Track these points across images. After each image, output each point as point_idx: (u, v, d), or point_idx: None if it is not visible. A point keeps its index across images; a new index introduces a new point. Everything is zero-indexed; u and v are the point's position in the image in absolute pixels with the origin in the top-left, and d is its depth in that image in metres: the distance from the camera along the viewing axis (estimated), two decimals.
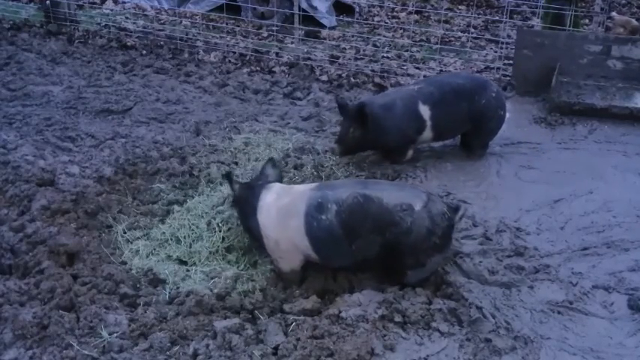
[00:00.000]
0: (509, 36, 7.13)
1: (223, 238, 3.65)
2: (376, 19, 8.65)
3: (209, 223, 3.73)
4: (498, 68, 6.44)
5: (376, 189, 3.26)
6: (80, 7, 8.11)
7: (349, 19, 8.17)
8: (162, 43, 7.28)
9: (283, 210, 3.32)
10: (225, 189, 3.96)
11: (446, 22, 8.53)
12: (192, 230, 3.70)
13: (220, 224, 3.71)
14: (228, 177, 3.55)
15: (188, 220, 3.76)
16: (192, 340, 2.93)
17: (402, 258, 3.24)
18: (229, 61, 6.91)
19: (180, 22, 7.94)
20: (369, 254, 3.25)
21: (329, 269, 3.47)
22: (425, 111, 4.45)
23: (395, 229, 3.16)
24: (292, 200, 3.34)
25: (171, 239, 3.69)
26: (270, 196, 3.40)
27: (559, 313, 3.18)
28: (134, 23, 7.81)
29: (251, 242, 3.64)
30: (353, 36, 7.56)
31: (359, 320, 3.02)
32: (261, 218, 3.36)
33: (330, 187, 3.39)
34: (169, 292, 3.33)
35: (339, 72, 6.61)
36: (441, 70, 6.60)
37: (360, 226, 3.19)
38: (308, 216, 3.23)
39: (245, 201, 3.45)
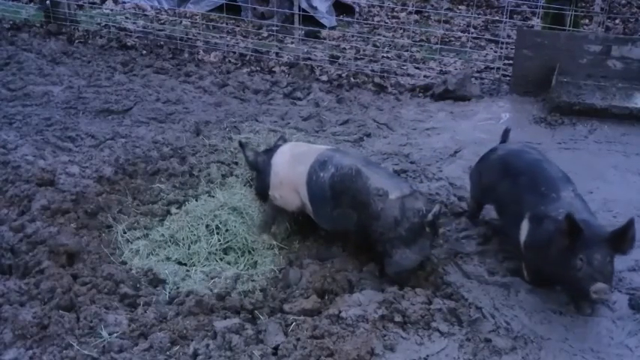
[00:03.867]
0: (509, 36, 7.13)
1: (221, 240, 3.65)
2: (376, 19, 8.65)
3: (207, 226, 3.72)
4: (498, 68, 6.44)
5: (372, 170, 3.43)
6: (80, 7, 8.11)
7: (349, 19, 8.17)
8: (162, 43, 7.28)
9: (297, 156, 3.66)
10: (221, 196, 3.97)
11: (446, 22, 8.53)
12: (191, 232, 3.69)
13: (220, 225, 3.71)
14: (241, 145, 3.98)
15: (187, 222, 3.76)
16: (192, 340, 2.93)
17: (372, 242, 3.38)
18: (229, 61, 6.91)
19: (180, 22, 7.94)
20: (346, 227, 3.46)
21: (328, 270, 3.47)
22: None
23: (367, 211, 3.31)
24: (307, 151, 3.69)
25: (170, 241, 3.69)
26: (287, 146, 3.83)
27: (559, 313, 3.18)
28: (134, 23, 7.81)
29: (257, 188, 3.94)
30: (353, 36, 7.55)
31: (359, 320, 3.02)
32: (275, 159, 3.74)
33: (342, 152, 3.68)
34: (169, 292, 3.33)
35: (339, 72, 6.61)
36: (441, 71, 6.60)
37: (341, 196, 3.40)
38: (312, 168, 3.52)
39: (262, 159, 3.84)
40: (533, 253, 3.20)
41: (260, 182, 3.88)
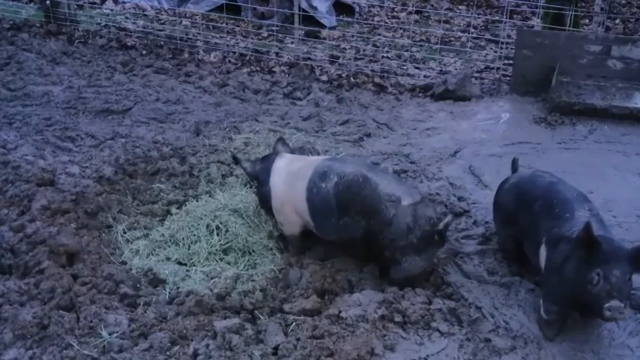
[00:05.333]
0: (509, 36, 7.12)
1: (221, 240, 3.65)
2: (376, 19, 8.64)
3: (208, 226, 3.72)
4: (498, 68, 6.44)
5: (379, 175, 3.36)
6: (80, 7, 8.11)
7: (349, 19, 8.16)
8: (162, 43, 7.27)
9: (293, 173, 3.54)
10: (222, 198, 3.96)
11: (446, 22, 8.53)
12: (192, 232, 3.69)
13: (220, 225, 3.71)
14: (235, 159, 3.93)
15: (187, 222, 3.76)
16: (192, 340, 2.93)
17: (380, 249, 3.32)
18: (229, 61, 6.90)
19: (180, 22, 7.94)
20: (353, 235, 3.38)
21: (328, 270, 3.47)
22: None
23: (378, 218, 3.25)
24: (303, 165, 3.57)
25: (170, 241, 3.69)
26: (283, 161, 3.68)
27: None
28: (134, 23, 7.81)
29: (263, 208, 3.83)
30: (353, 36, 7.55)
31: (359, 320, 3.02)
32: (274, 179, 3.60)
33: (340, 160, 3.60)
34: (169, 292, 3.33)
35: (339, 72, 6.61)
36: (441, 71, 6.60)
37: (349, 204, 3.32)
38: (311, 181, 3.42)
39: (260, 170, 3.73)
40: (551, 278, 2.98)
41: (264, 203, 3.75)
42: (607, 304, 2.64)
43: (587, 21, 7.92)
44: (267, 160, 3.75)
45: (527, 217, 3.26)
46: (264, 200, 3.71)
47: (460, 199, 4.21)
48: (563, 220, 3.02)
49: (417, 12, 8.64)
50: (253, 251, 3.66)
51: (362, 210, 3.29)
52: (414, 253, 3.24)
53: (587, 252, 2.72)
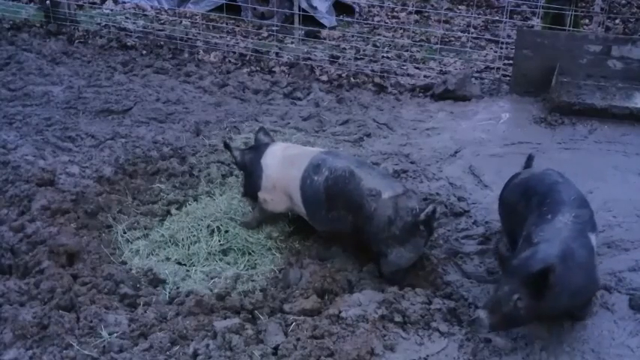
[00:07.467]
0: (509, 36, 7.12)
1: (221, 240, 3.65)
2: (376, 19, 8.65)
3: (208, 226, 3.73)
4: (498, 68, 6.44)
5: (365, 171, 3.42)
6: (80, 7, 8.11)
7: (349, 19, 8.17)
8: (162, 43, 7.27)
9: (290, 158, 3.60)
10: (222, 203, 3.97)
11: (446, 22, 8.53)
12: (191, 232, 3.70)
13: (220, 226, 3.71)
14: (227, 146, 3.89)
15: (187, 223, 3.76)
16: (192, 340, 2.93)
17: (367, 243, 3.38)
18: (229, 61, 6.90)
19: (180, 22, 7.94)
20: (342, 228, 3.46)
21: (328, 270, 3.47)
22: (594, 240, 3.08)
23: (360, 212, 3.31)
24: (300, 153, 3.64)
25: (170, 241, 3.69)
26: (278, 146, 3.74)
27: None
28: (134, 23, 7.81)
29: (245, 193, 3.89)
30: (353, 36, 7.56)
31: (359, 320, 3.02)
32: (266, 160, 3.64)
33: (335, 155, 3.64)
34: (169, 292, 3.33)
35: (339, 72, 6.61)
36: (441, 71, 6.60)
37: (336, 199, 3.39)
38: (306, 172, 3.49)
39: (250, 158, 3.75)
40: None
41: (250, 183, 3.78)
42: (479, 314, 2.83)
43: (587, 21, 7.92)
44: (259, 149, 3.76)
45: (524, 210, 3.22)
46: (252, 179, 3.72)
47: (460, 199, 4.21)
48: (543, 222, 3.00)
49: (417, 12, 8.64)
50: (253, 251, 3.66)
51: (347, 205, 3.37)
52: (398, 245, 3.27)
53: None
